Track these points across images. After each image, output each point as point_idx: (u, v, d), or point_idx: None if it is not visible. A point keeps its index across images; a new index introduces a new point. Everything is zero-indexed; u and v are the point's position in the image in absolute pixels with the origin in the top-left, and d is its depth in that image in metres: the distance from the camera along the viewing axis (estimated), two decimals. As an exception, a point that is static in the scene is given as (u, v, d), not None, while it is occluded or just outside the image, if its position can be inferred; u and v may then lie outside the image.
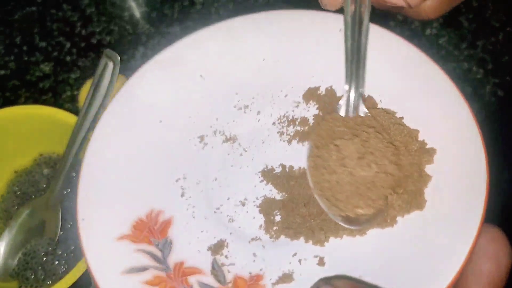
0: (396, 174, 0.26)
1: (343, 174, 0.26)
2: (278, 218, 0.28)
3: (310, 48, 0.32)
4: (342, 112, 0.29)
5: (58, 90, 0.46)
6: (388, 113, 0.29)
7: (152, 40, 0.49)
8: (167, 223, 0.28)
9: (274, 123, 0.32)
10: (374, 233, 0.26)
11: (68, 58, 0.48)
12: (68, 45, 0.49)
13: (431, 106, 0.29)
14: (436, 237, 0.24)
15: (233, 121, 0.32)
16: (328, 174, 0.27)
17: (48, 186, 0.38)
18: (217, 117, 0.32)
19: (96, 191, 0.28)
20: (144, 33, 0.49)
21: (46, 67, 0.48)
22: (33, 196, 0.40)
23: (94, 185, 0.28)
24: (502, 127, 0.45)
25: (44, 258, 0.37)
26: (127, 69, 0.46)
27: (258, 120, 0.32)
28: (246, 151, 0.31)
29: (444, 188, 0.26)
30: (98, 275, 0.25)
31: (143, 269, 0.26)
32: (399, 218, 0.26)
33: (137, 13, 0.50)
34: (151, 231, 0.27)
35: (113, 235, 0.27)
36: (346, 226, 0.26)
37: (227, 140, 0.32)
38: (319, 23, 0.32)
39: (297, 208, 0.28)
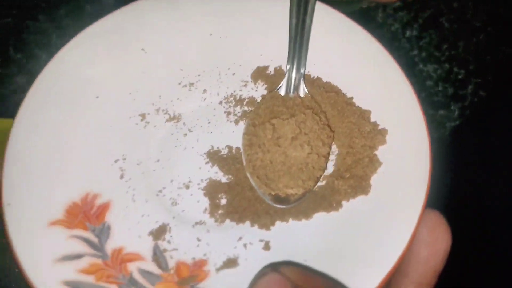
0: (328, 155, 0.27)
1: (277, 154, 0.27)
2: (223, 201, 0.27)
3: (260, 25, 0.32)
4: (282, 92, 0.30)
5: (34, 103, 0.46)
6: (338, 93, 0.29)
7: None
8: (105, 207, 0.27)
9: (220, 103, 0.31)
10: (319, 217, 0.26)
11: (44, 70, 0.48)
12: (44, 56, 0.49)
13: (378, 91, 0.29)
14: (379, 223, 0.24)
15: (178, 99, 0.31)
16: (262, 153, 0.27)
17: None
18: (160, 95, 0.31)
19: (23, 172, 0.26)
20: (122, 42, 0.49)
21: (22, 80, 0.48)
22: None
23: (21, 165, 0.26)
24: (484, 127, 0.46)
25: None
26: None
27: (204, 99, 0.31)
28: (191, 131, 0.30)
29: (388, 174, 0.26)
30: (27, 265, 0.23)
31: (78, 256, 0.24)
32: (344, 203, 0.26)
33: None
34: (87, 216, 0.26)
35: (43, 220, 0.25)
36: (276, 205, 0.26)
37: (170, 119, 0.30)
38: (270, 1, 0.31)
39: (243, 192, 0.27)
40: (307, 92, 0.29)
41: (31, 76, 0.47)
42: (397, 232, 0.23)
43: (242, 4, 0.32)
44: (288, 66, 0.29)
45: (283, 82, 0.30)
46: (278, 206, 0.26)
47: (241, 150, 0.28)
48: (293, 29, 0.28)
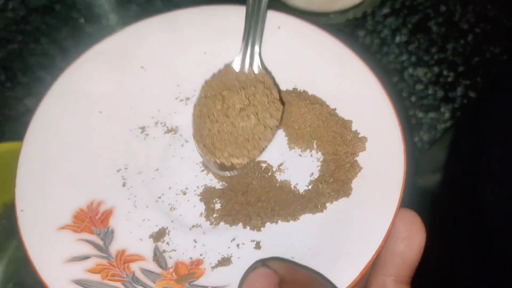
0: (276, 128, 0.30)
1: (225, 124, 0.29)
2: (218, 206, 0.30)
3: None
4: (236, 67, 0.32)
5: (41, 123, 0.49)
6: (322, 105, 0.31)
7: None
8: (108, 213, 0.29)
9: None
10: (305, 218, 0.28)
11: (49, 91, 0.51)
12: (48, 78, 0.51)
13: (358, 103, 0.31)
14: (359, 221, 0.27)
15: (175, 112, 0.34)
16: (210, 123, 0.30)
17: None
18: (158, 109, 0.33)
19: (34, 181, 0.29)
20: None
21: (29, 102, 0.50)
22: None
23: (32, 175, 0.29)
24: (474, 128, 0.47)
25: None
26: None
27: None
28: (187, 141, 0.33)
29: (367, 177, 0.28)
30: (38, 265, 0.26)
31: (85, 257, 0.27)
32: (328, 204, 0.28)
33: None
34: (92, 221, 0.29)
35: (53, 225, 0.28)
36: (220, 172, 0.30)
37: (168, 131, 0.33)
38: None
39: (236, 196, 0.30)
40: (261, 68, 0.32)
41: (38, 98, 0.50)
42: (375, 229, 0.26)
43: (232, 25, 0.34)
44: (244, 42, 0.32)
45: (238, 57, 0.32)
46: (223, 173, 0.30)
47: (191, 120, 0.31)
48: (250, 8, 0.31)
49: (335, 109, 0.32)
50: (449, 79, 0.49)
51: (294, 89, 0.33)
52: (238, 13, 0.34)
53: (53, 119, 0.31)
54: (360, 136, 0.30)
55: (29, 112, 0.49)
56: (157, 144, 0.33)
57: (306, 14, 0.47)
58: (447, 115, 0.48)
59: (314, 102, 0.32)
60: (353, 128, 0.31)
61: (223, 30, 0.34)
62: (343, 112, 0.31)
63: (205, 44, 0.34)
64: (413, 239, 0.26)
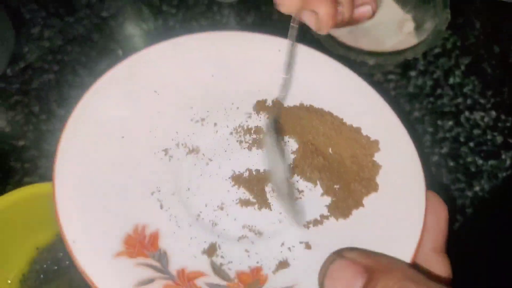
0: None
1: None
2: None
3: (254, 66, 0.37)
4: (281, 98, 0.38)
5: (78, 159, 0.47)
6: (332, 115, 0.36)
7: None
8: (155, 236, 0.30)
9: (231, 133, 0.36)
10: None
11: (87, 125, 0.49)
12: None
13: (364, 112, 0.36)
14: (395, 210, 0.31)
15: (193, 133, 0.35)
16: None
17: (72, 264, 0.38)
18: (177, 131, 0.35)
19: (76, 211, 0.29)
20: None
21: (65, 136, 0.49)
22: (57, 275, 0.39)
23: (72, 206, 0.29)
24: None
25: None
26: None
27: (216, 131, 0.36)
28: (211, 160, 0.34)
29: (388, 172, 0.33)
30: None
31: (151, 280, 0.27)
32: (364, 201, 0.32)
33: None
34: (143, 245, 0.29)
35: (109, 253, 0.28)
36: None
37: (190, 151, 0.35)
38: (260, 44, 0.38)
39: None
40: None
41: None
42: (412, 214, 0.30)
43: (236, 49, 0.37)
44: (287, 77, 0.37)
45: (282, 92, 0.37)
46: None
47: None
48: (290, 59, 0.37)
49: (342, 119, 0.36)
50: (508, 124, 0.48)
51: (301, 104, 0.37)
52: (239, 38, 0.38)
53: (78, 150, 0.31)
54: (372, 139, 0.35)
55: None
56: (182, 164, 0.34)
57: (355, 51, 0.46)
58: (508, 162, 0.45)
59: (324, 114, 0.36)
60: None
61: (226, 55, 0.37)
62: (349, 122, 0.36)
63: (211, 67, 0.37)
64: (439, 212, 0.29)
